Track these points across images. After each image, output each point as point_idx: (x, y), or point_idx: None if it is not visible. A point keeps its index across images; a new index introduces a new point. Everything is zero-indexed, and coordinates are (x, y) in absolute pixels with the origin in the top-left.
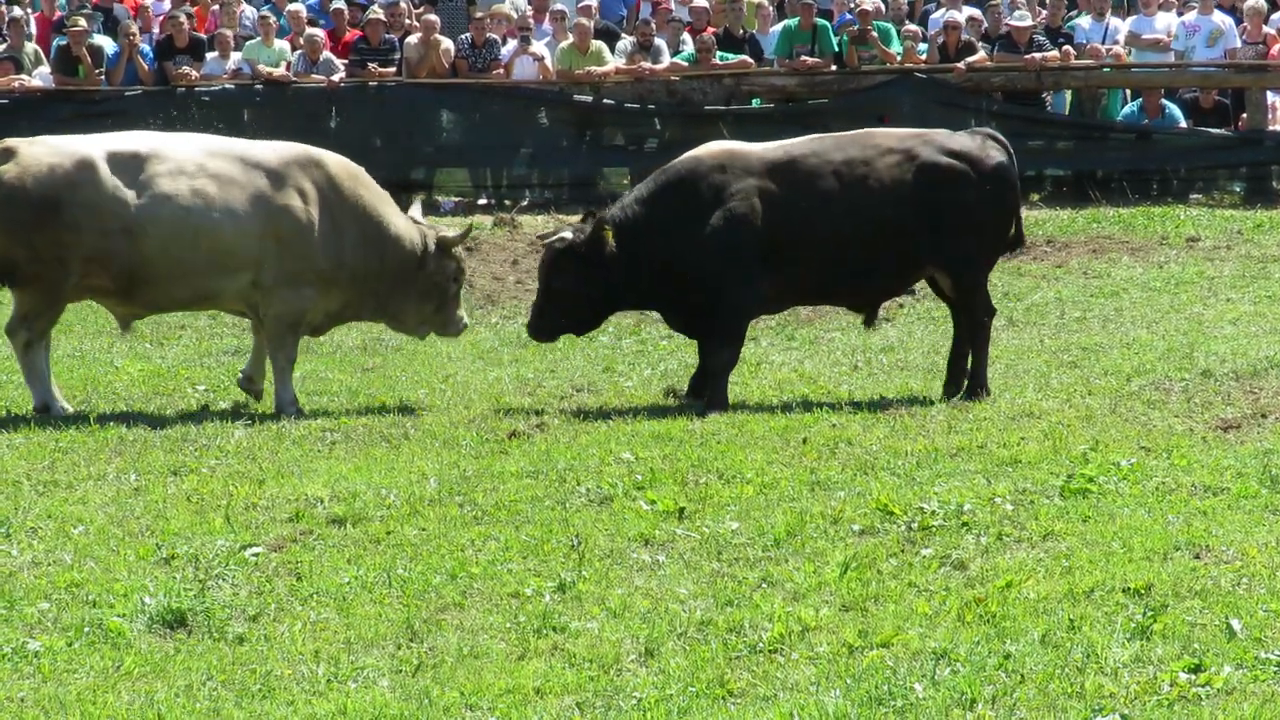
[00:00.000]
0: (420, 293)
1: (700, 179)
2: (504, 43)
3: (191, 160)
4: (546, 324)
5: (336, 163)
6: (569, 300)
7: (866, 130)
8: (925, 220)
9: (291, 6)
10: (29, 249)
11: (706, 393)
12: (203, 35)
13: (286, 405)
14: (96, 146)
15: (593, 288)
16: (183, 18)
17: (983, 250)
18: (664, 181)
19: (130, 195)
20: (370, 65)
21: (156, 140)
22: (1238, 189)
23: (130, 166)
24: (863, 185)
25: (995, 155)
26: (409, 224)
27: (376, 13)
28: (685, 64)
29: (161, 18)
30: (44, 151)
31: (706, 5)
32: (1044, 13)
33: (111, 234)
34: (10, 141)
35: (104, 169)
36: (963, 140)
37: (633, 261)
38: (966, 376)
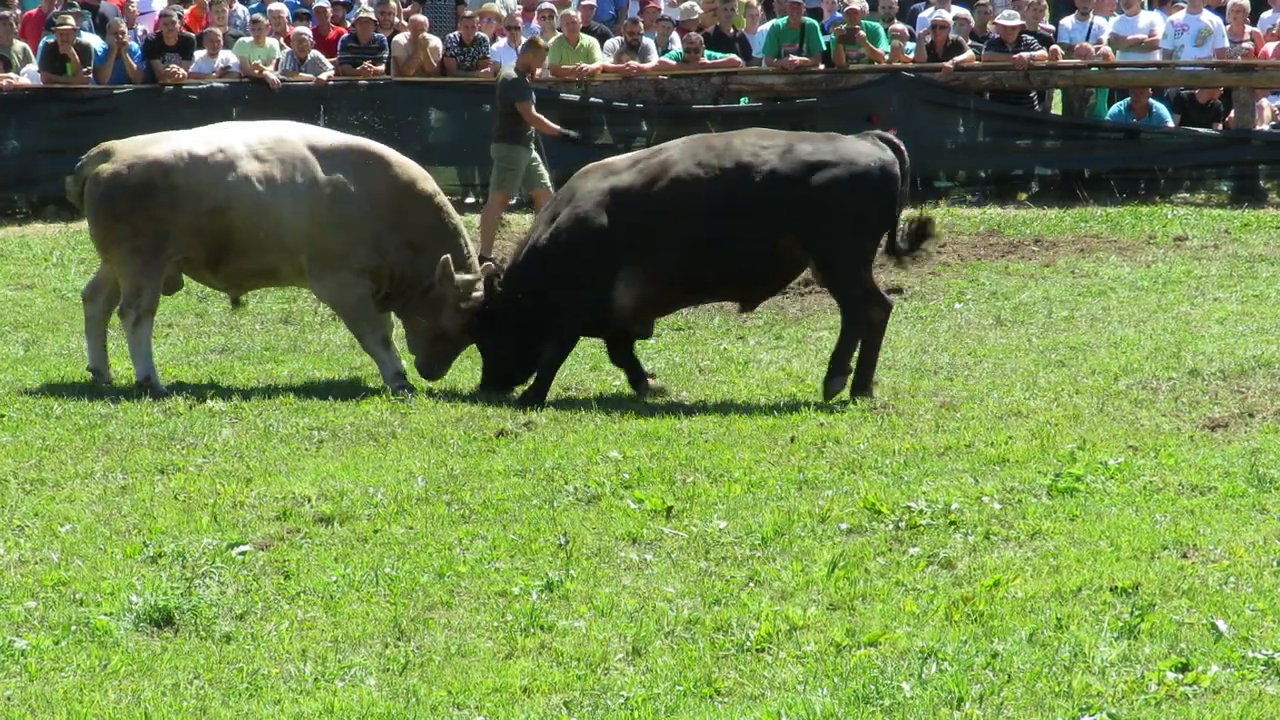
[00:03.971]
0: (426, 309)
1: (566, 190)
2: (493, 40)
3: (263, 145)
4: (488, 379)
5: (399, 161)
6: (492, 354)
7: (747, 130)
8: (789, 217)
9: (273, 6)
10: (131, 227)
11: (531, 386)
12: (192, 33)
13: (393, 380)
14: (186, 137)
15: (503, 335)
16: (175, 17)
17: (850, 244)
18: (548, 204)
19: (216, 178)
20: (364, 63)
21: (236, 128)
22: (1225, 188)
23: (216, 152)
24: (721, 184)
25: (869, 153)
26: (455, 241)
27: (366, 11)
28: (673, 63)
29: (154, 16)
30: (138, 145)
31: (697, 5)
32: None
33: (203, 213)
34: (107, 144)
35: (193, 155)
36: (836, 141)
37: (517, 294)
38: (860, 371)
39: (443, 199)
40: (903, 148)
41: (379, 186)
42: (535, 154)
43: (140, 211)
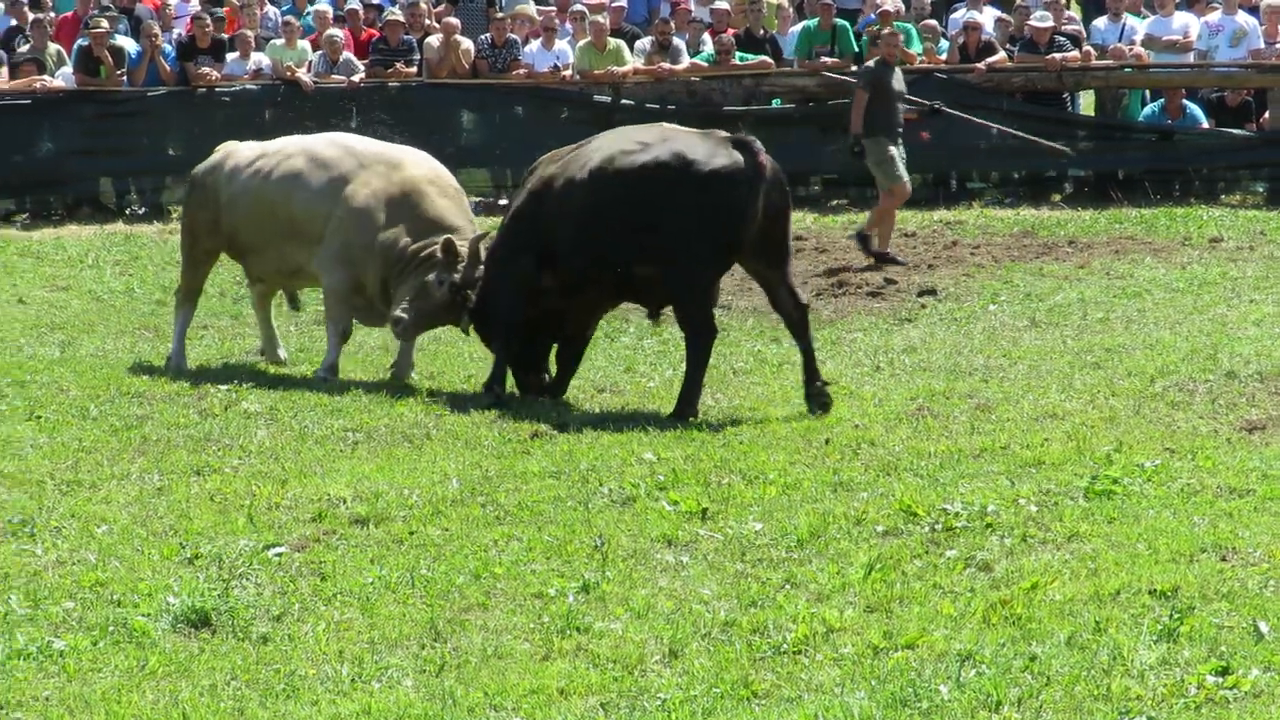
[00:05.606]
0: (419, 273)
1: (525, 178)
2: (525, 43)
3: (300, 146)
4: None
5: (419, 167)
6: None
7: (650, 125)
8: (638, 221)
9: (319, 6)
10: (185, 220)
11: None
12: (224, 36)
13: (326, 369)
14: (248, 143)
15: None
16: (208, 19)
17: (690, 256)
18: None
19: (234, 173)
20: (397, 65)
21: (295, 138)
22: (1261, 189)
23: (252, 153)
24: (598, 182)
25: (715, 160)
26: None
27: (395, 14)
28: (705, 64)
29: (188, 19)
30: (224, 147)
31: (727, 7)
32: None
33: (220, 206)
34: (229, 143)
35: (232, 158)
36: (687, 143)
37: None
38: (818, 382)
39: (461, 194)
40: (757, 152)
41: (395, 187)
42: (896, 147)
43: (187, 208)
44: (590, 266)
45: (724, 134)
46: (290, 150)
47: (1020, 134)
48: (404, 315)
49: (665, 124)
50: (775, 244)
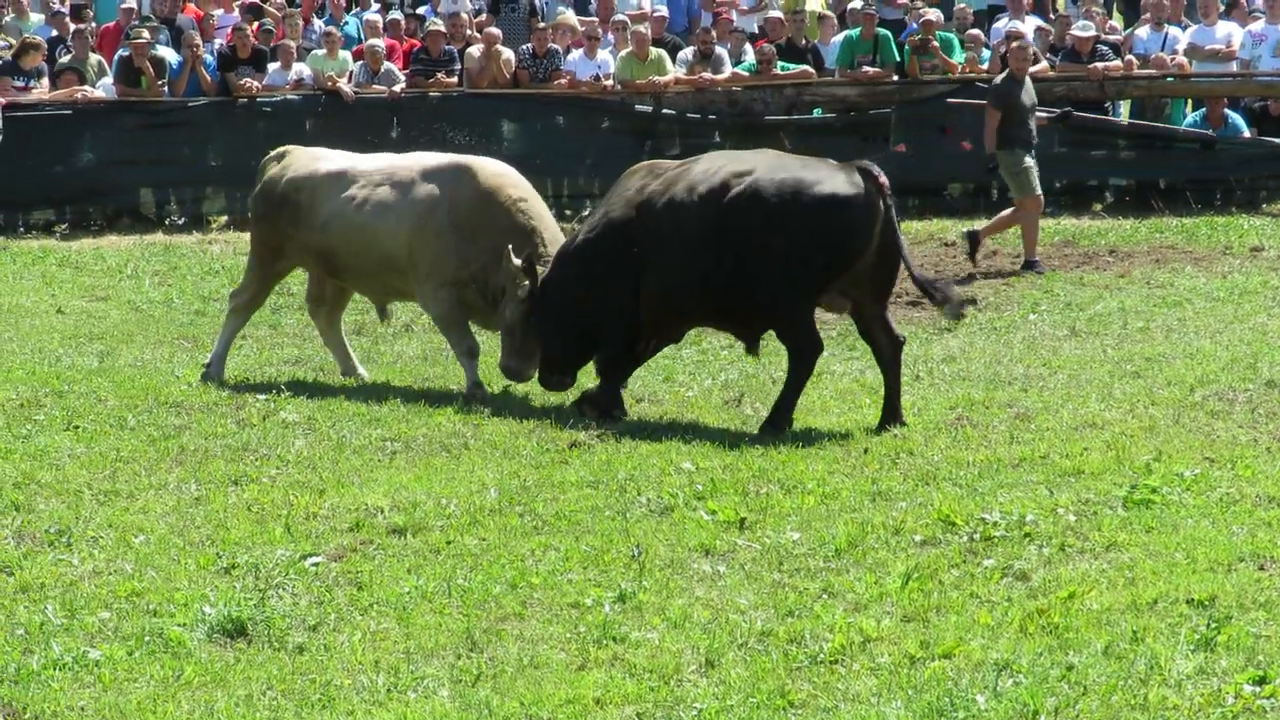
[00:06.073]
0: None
1: (614, 187)
2: (567, 52)
3: (379, 170)
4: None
5: (485, 170)
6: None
7: (761, 151)
8: (753, 242)
9: (368, 15)
10: (261, 232)
11: (597, 389)
12: (266, 46)
13: (471, 387)
14: (336, 157)
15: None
16: (248, 30)
17: (794, 279)
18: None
19: (329, 199)
20: (438, 75)
21: (369, 156)
22: None
23: (342, 175)
24: (704, 205)
25: (827, 186)
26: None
27: (437, 24)
28: (746, 74)
29: (229, 29)
30: (304, 157)
31: (780, 15)
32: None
33: (314, 230)
34: (290, 147)
35: (327, 176)
36: (803, 164)
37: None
38: (896, 403)
39: (525, 203)
40: (881, 182)
41: (461, 198)
42: (1031, 157)
43: (268, 221)
44: (692, 285)
45: (834, 162)
46: (377, 178)
47: (1155, 123)
48: (514, 362)
49: (772, 150)
50: (884, 275)
